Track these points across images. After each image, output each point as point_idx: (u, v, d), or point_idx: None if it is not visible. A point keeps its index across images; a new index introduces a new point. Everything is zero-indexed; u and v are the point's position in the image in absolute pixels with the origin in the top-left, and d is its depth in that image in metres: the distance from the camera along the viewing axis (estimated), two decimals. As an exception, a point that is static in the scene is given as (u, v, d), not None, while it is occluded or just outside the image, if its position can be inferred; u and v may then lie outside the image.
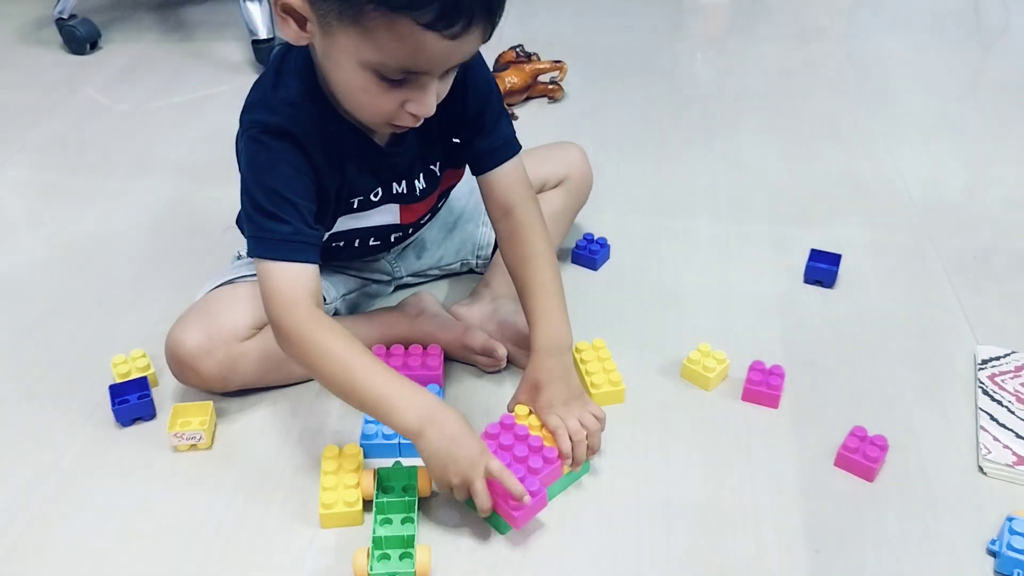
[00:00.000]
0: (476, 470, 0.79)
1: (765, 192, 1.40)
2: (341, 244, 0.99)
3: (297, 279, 0.84)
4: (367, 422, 0.91)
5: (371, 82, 0.77)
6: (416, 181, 0.97)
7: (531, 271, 0.95)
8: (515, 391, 0.93)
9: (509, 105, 1.62)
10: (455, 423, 0.81)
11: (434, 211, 1.07)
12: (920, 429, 0.95)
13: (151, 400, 0.95)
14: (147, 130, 1.59)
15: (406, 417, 0.80)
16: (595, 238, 1.21)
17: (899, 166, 1.47)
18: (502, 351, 0.99)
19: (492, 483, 0.79)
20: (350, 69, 0.78)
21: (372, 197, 0.95)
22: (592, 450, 0.87)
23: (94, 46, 1.90)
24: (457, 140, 0.96)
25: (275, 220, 0.84)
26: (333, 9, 0.74)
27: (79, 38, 1.87)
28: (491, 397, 0.98)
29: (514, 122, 1.57)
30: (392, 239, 1.03)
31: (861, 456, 0.88)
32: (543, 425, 0.88)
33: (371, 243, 1.01)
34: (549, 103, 1.68)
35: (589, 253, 1.20)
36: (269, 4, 1.72)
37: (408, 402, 0.80)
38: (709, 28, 2.13)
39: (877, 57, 1.89)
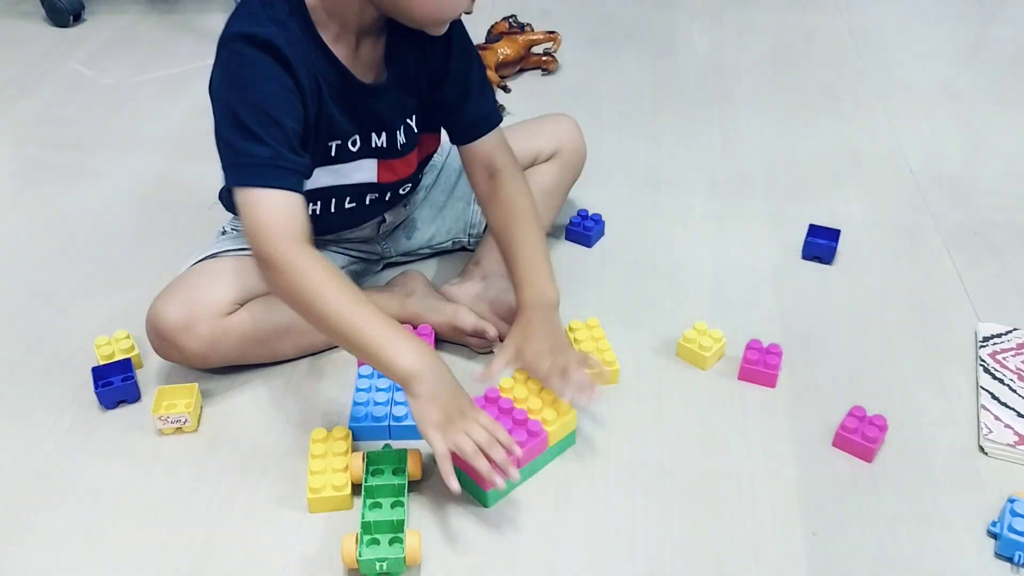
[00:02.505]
0: (468, 414, 0.78)
1: (762, 166, 1.38)
2: (317, 208, 0.96)
3: (282, 206, 0.79)
4: (356, 404, 0.90)
5: None
6: (397, 134, 0.95)
7: (515, 231, 0.93)
8: (500, 349, 0.90)
9: (502, 77, 1.59)
10: (449, 372, 0.80)
11: (414, 181, 1.04)
12: (920, 408, 0.93)
13: (135, 382, 0.93)
14: (132, 104, 1.56)
15: (405, 359, 0.77)
16: (589, 214, 1.19)
17: (899, 139, 1.45)
18: (493, 332, 0.98)
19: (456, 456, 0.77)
20: None
21: (351, 146, 0.92)
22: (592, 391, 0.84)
23: (77, 18, 1.86)
24: (437, 96, 0.94)
25: (255, 142, 0.79)
26: None
27: (62, 10, 1.83)
28: (483, 378, 0.96)
29: (506, 95, 1.56)
30: (367, 201, 0.99)
31: (860, 436, 0.87)
32: (537, 377, 0.86)
33: (347, 205, 0.98)
34: (543, 75, 1.65)
35: (583, 230, 1.17)
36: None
37: (406, 344, 0.78)
38: (706, -2, 2.10)
39: (877, 28, 1.86)
